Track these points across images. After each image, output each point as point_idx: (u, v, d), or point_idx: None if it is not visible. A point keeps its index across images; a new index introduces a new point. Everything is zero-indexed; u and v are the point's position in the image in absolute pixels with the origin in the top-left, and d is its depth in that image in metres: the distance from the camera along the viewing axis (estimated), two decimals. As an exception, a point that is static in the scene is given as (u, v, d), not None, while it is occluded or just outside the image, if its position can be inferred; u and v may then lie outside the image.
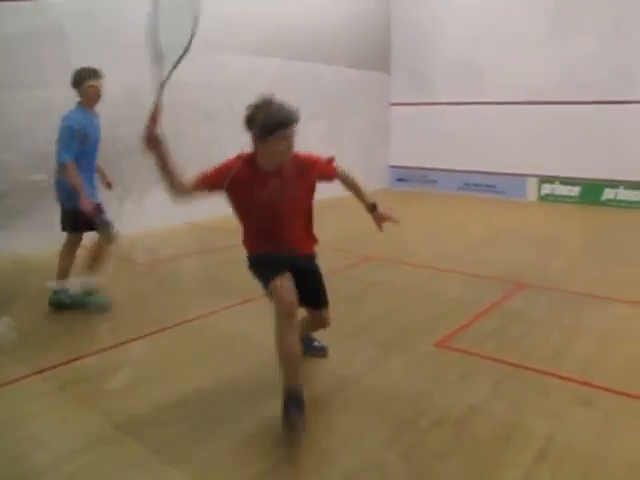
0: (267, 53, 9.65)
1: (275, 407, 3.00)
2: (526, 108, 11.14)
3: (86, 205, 4.57)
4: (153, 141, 3.04)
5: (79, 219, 4.70)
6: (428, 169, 12.78)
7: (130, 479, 2.68)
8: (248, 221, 3.28)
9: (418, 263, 6.48)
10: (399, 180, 13.32)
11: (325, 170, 3.30)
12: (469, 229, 8.61)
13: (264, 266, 3.15)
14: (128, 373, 3.77)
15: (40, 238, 6.76)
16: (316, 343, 3.92)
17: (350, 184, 3.44)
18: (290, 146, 3.05)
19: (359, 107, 12.26)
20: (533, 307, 5.06)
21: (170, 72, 2.93)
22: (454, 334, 4.37)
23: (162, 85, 2.94)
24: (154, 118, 2.98)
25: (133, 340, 4.26)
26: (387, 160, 13.40)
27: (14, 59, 6.63)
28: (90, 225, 4.78)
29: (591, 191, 10.91)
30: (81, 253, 5.00)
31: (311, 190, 3.29)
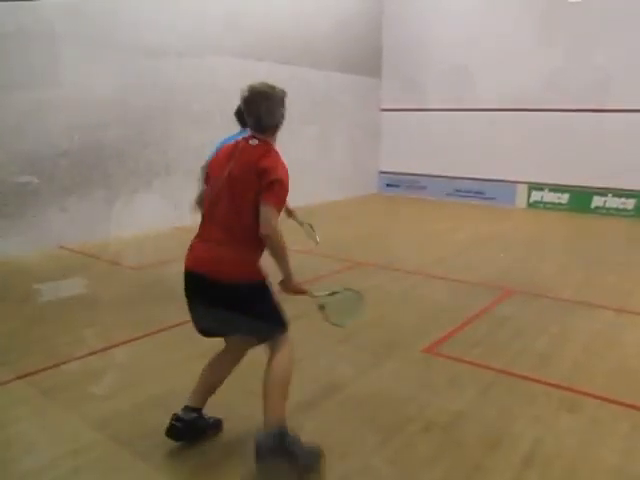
0: (258, 57, 9.65)
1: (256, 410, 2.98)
2: (516, 115, 11.22)
3: None
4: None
5: None
6: (418, 175, 12.82)
7: (115, 484, 2.66)
8: None
9: (407, 269, 6.48)
10: (389, 186, 13.36)
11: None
12: (458, 235, 8.64)
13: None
14: (113, 378, 3.74)
15: (27, 241, 6.73)
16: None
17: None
18: None
19: (350, 112, 12.30)
20: (521, 313, 5.09)
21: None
22: (443, 340, 4.37)
23: None
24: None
25: (118, 345, 4.23)
26: (377, 165, 13.45)
27: (4, 59, 6.59)
28: None
29: (580, 199, 10.99)
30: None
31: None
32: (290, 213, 4.70)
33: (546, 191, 11.35)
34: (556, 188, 11.21)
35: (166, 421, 2.82)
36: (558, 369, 3.90)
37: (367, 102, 12.93)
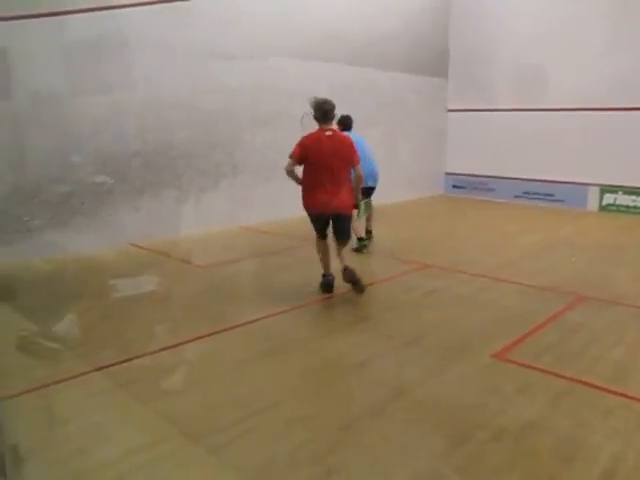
0: (323, 58, 9.68)
1: (329, 415, 2.99)
2: (588, 115, 10.79)
3: None
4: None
5: None
6: (485, 176, 12.55)
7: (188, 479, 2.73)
8: None
9: (475, 272, 6.35)
10: (455, 187, 13.14)
11: None
12: (527, 238, 8.40)
13: None
14: (184, 373, 3.84)
15: (101, 238, 7.00)
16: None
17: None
18: None
19: (416, 113, 12.17)
20: (594, 321, 4.88)
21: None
22: (512, 346, 4.26)
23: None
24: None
25: (190, 341, 4.34)
26: (443, 167, 13.25)
27: (82, 66, 6.88)
28: None
29: (657, 202, 10.47)
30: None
31: None
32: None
33: (620, 193, 10.87)
34: (631, 191, 10.72)
35: (237, 418, 2.86)
36: (636, 381, 3.72)
37: (433, 102, 12.76)
